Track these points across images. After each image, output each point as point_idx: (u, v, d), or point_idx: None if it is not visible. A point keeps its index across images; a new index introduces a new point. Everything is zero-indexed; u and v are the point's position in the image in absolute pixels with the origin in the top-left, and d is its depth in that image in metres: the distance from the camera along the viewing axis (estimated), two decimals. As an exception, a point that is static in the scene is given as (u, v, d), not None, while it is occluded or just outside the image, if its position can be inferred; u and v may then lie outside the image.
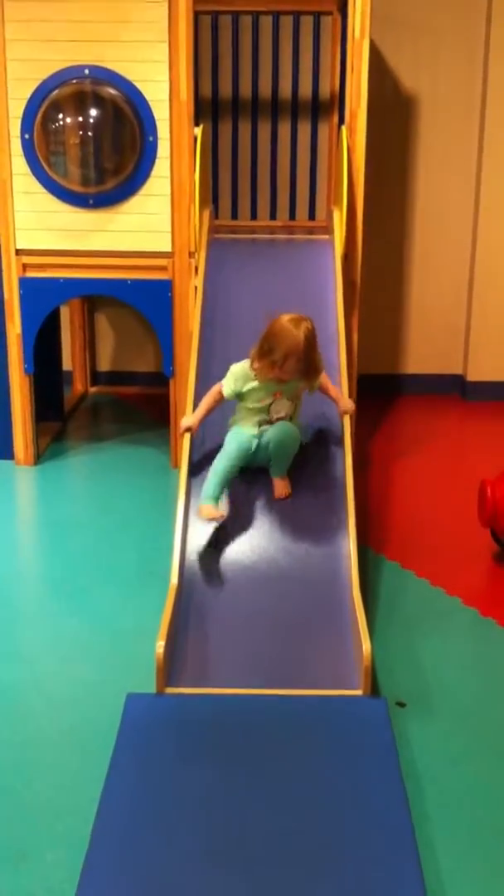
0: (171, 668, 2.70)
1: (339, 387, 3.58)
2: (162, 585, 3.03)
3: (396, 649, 2.96)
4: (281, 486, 3.30)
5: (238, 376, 3.28)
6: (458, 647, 3.03)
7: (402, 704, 2.67)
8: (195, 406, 3.53)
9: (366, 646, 2.64)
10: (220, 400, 3.34)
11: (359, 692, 2.64)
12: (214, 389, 3.35)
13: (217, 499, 3.15)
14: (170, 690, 2.65)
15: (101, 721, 2.57)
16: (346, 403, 3.50)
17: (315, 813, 2.21)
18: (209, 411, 3.37)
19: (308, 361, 3.19)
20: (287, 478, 3.31)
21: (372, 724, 2.51)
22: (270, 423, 3.28)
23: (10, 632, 3.11)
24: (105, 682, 2.78)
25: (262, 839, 2.12)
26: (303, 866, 2.05)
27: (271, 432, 3.25)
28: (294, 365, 3.16)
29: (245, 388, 3.27)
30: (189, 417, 3.42)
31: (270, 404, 3.27)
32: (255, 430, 3.26)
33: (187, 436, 3.43)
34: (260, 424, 3.27)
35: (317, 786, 2.30)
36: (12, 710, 2.68)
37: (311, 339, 3.17)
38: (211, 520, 3.16)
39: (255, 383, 3.25)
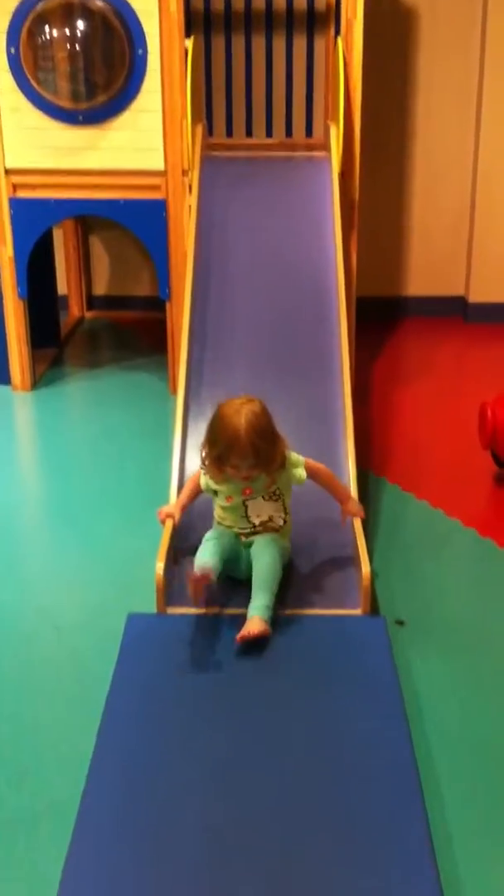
0: (170, 590, 2.70)
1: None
2: (160, 509, 3.02)
3: (396, 570, 2.96)
4: (253, 625, 2.49)
5: (200, 473, 2.80)
6: (457, 568, 3.03)
7: (401, 623, 2.68)
8: (191, 329, 3.49)
9: (365, 567, 2.63)
10: (199, 490, 2.84)
11: (358, 611, 2.64)
12: (194, 476, 2.86)
13: (207, 563, 2.59)
14: (170, 610, 2.66)
15: (103, 643, 2.58)
16: (353, 507, 2.90)
17: (314, 729, 2.22)
18: (191, 500, 2.88)
19: (257, 453, 2.59)
20: (265, 621, 2.51)
21: (371, 643, 2.52)
22: (254, 529, 2.75)
23: (10, 557, 3.11)
24: (106, 606, 2.79)
25: (262, 755, 2.14)
26: (300, 781, 2.07)
27: (253, 548, 2.71)
28: (239, 460, 2.60)
29: (215, 484, 2.74)
30: (169, 506, 2.91)
31: (245, 503, 2.74)
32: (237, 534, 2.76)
33: (184, 362, 3.38)
34: (242, 532, 2.75)
35: (316, 702, 2.31)
36: (15, 633, 2.69)
37: (255, 426, 2.57)
38: (198, 582, 2.54)
39: (220, 483, 2.72)
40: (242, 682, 2.38)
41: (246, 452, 2.58)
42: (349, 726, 2.23)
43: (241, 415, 2.59)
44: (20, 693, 2.44)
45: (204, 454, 2.69)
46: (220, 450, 2.61)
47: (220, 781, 2.07)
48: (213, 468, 2.68)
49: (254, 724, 2.24)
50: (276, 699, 2.32)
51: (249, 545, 2.73)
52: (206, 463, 2.69)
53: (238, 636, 2.46)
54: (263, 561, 2.65)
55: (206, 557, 2.61)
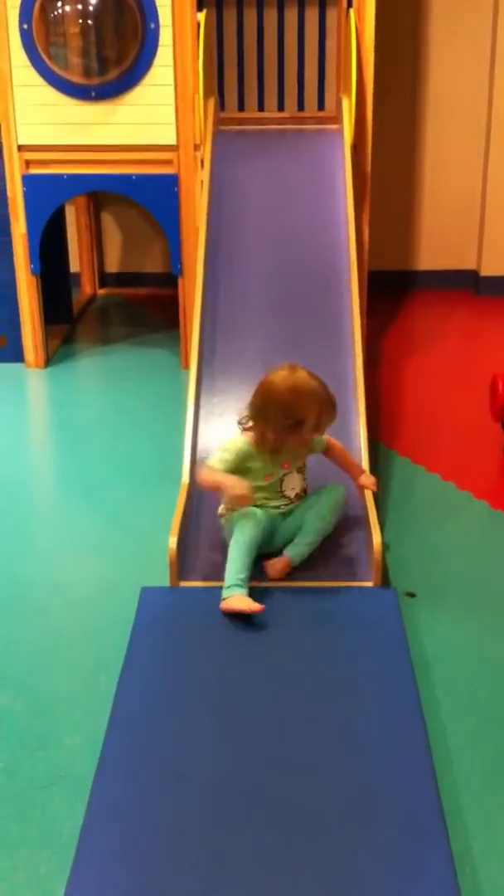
0: (184, 564, 2.73)
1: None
2: (174, 484, 3.05)
3: (407, 542, 2.98)
4: (283, 565, 2.70)
5: (235, 453, 2.73)
6: (468, 540, 3.04)
7: (411, 595, 2.70)
8: (203, 303, 3.50)
9: (376, 538, 2.65)
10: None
11: (370, 583, 2.67)
12: (214, 465, 2.74)
13: (244, 584, 2.58)
14: (183, 584, 2.69)
15: (117, 616, 2.61)
16: (367, 480, 2.92)
17: (326, 699, 2.25)
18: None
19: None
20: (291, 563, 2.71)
21: (382, 614, 2.55)
22: (290, 503, 2.82)
23: (25, 530, 3.15)
24: (120, 579, 2.82)
25: (274, 726, 2.17)
26: (313, 751, 2.10)
27: (304, 508, 2.79)
28: (330, 418, 2.72)
29: (245, 466, 2.75)
30: (241, 485, 2.68)
31: (282, 478, 2.80)
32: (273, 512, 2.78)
33: (196, 336, 3.39)
34: (277, 508, 2.80)
35: (328, 673, 2.34)
36: (30, 606, 2.73)
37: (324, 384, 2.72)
38: (249, 612, 2.51)
39: (257, 461, 2.75)
40: (255, 653, 2.42)
41: (335, 407, 2.71)
42: (360, 696, 2.26)
43: (310, 377, 2.69)
44: (35, 665, 2.48)
45: (261, 431, 2.68)
46: (303, 415, 2.63)
47: (232, 750, 2.10)
48: (280, 440, 2.68)
49: (266, 695, 2.27)
50: (287, 670, 2.35)
51: (289, 514, 2.80)
52: (271, 437, 2.67)
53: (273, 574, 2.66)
54: (317, 510, 2.77)
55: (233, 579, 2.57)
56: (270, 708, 2.23)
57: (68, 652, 2.53)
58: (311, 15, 4.91)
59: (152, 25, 3.97)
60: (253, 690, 2.29)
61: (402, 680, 2.30)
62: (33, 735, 2.22)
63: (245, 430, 2.76)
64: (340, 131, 4.13)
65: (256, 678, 2.33)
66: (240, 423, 2.78)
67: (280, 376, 2.69)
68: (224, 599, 2.54)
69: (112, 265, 5.72)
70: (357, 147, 4.11)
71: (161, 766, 2.06)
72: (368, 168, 4.20)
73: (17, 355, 4.49)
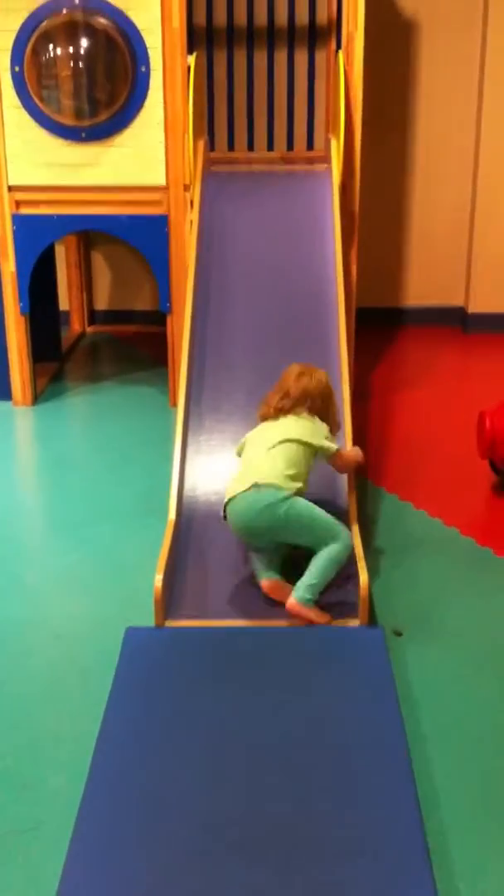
0: (169, 602, 2.72)
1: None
2: (161, 521, 3.05)
3: (394, 579, 2.98)
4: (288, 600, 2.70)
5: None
6: (456, 577, 3.04)
7: (398, 634, 2.69)
8: (192, 341, 3.52)
9: (363, 577, 2.65)
10: None
11: (356, 622, 2.66)
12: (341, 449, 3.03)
13: None
14: (169, 623, 2.68)
15: (102, 654, 2.60)
16: (352, 453, 3.09)
17: (313, 740, 2.24)
18: None
19: None
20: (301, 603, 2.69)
21: (369, 654, 2.53)
22: None
23: (11, 568, 3.13)
24: (106, 617, 2.80)
25: (260, 766, 2.15)
26: (300, 791, 2.08)
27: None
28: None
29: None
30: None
31: None
32: None
33: (184, 374, 3.41)
34: None
35: (314, 714, 2.32)
36: (14, 643, 2.71)
37: None
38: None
39: None
40: (240, 693, 2.40)
41: None
42: (346, 735, 2.24)
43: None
44: (19, 704, 2.45)
45: (329, 426, 2.99)
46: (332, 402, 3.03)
47: (218, 790, 2.08)
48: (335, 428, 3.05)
49: (252, 735, 2.25)
50: (274, 710, 2.34)
51: None
52: (334, 431, 3.02)
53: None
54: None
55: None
56: (256, 747, 2.21)
57: (53, 691, 2.51)
58: (301, 56, 4.99)
59: (143, 68, 4.03)
60: (239, 730, 2.27)
61: (389, 719, 2.28)
62: (17, 775, 2.20)
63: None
64: (329, 171, 4.18)
65: (242, 718, 2.31)
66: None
67: (324, 375, 3.02)
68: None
69: (101, 302, 5.76)
70: (345, 186, 4.16)
71: (145, 807, 2.04)
72: (357, 207, 4.25)
73: (4, 393, 4.50)
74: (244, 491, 2.74)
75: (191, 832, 1.96)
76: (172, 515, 3.01)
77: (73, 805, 2.05)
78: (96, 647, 2.66)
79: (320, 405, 2.97)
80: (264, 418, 2.98)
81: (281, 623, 2.66)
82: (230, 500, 2.78)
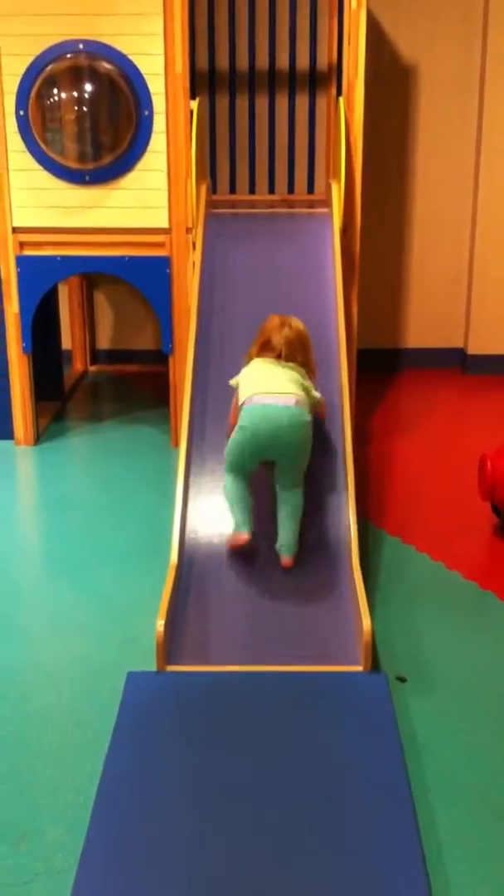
0: (171, 646, 2.70)
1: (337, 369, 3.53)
2: (162, 563, 3.03)
3: (397, 624, 2.96)
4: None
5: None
6: (459, 622, 3.02)
7: (402, 679, 2.67)
8: (194, 382, 3.53)
9: (366, 622, 2.63)
10: None
11: (359, 668, 2.64)
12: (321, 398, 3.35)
13: None
14: (170, 668, 2.65)
15: (102, 699, 2.58)
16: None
17: (315, 788, 2.21)
18: None
19: None
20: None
21: (372, 700, 2.51)
22: None
23: (11, 610, 3.12)
24: (106, 661, 2.78)
25: (263, 815, 2.13)
26: (303, 841, 2.05)
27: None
28: None
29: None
30: None
31: None
32: None
33: (186, 415, 3.41)
34: None
35: (317, 761, 2.30)
36: (13, 688, 2.68)
37: None
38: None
39: None
40: (243, 741, 2.37)
41: None
42: (349, 787, 2.22)
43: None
44: (18, 751, 2.43)
45: (309, 370, 3.26)
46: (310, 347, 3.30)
47: (220, 841, 2.05)
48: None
49: (254, 784, 2.23)
50: (276, 758, 2.31)
51: None
52: (313, 375, 3.28)
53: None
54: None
55: None
56: (259, 797, 2.18)
57: (52, 737, 2.48)
58: (302, 101, 5.04)
59: (146, 112, 4.07)
60: (241, 779, 2.24)
61: (393, 770, 2.25)
62: (14, 826, 2.17)
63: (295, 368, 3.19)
64: (330, 214, 4.21)
65: (245, 767, 2.28)
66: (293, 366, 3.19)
67: (301, 322, 3.27)
68: None
69: (104, 342, 5.78)
70: (346, 230, 4.19)
71: (146, 859, 2.01)
72: (357, 249, 4.28)
73: (6, 432, 4.50)
74: (286, 405, 3.00)
75: (191, 886, 1.92)
76: (174, 558, 3.00)
77: (72, 857, 2.02)
78: (95, 692, 2.64)
79: (302, 353, 3.25)
80: (251, 358, 3.26)
81: (283, 668, 2.64)
82: (263, 406, 3.02)
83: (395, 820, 2.10)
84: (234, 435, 3.07)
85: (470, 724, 2.50)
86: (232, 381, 3.30)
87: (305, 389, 3.15)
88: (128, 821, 2.11)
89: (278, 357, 3.19)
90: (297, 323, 3.28)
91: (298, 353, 3.23)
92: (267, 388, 3.07)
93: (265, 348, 3.24)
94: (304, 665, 2.66)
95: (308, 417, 3.05)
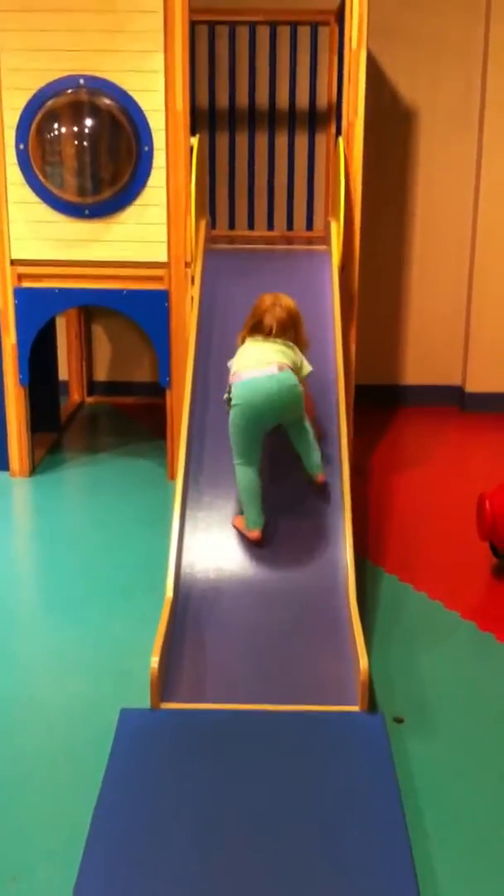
0: (165, 683, 2.67)
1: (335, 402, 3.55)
2: (157, 598, 3.00)
3: (395, 664, 2.93)
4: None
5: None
6: (457, 663, 2.99)
7: (399, 720, 2.63)
8: (191, 417, 3.52)
9: (363, 661, 2.60)
10: None
11: (356, 708, 2.60)
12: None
13: None
14: (164, 705, 2.62)
15: (95, 736, 2.54)
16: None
17: (311, 831, 2.17)
18: None
19: None
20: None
21: (369, 741, 2.48)
22: None
23: (4, 643, 3.08)
24: (100, 697, 2.75)
25: (258, 857, 2.09)
26: (299, 884, 2.01)
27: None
28: None
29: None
30: None
31: None
32: None
33: (183, 450, 3.40)
34: None
35: (313, 804, 2.26)
36: (5, 725, 2.64)
37: None
38: None
39: None
40: (238, 781, 2.33)
41: None
42: (346, 829, 2.18)
43: None
44: (10, 788, 2.38)
45: (302, 339, 3.42)
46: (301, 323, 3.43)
47: (214, 883, 2.01)
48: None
49: (249, 826, 2.19)
50: (272, 799, 2.27)
51: None
52: (304, 348, 3.42)
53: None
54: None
55: None
56: (253, 839, 2.14)
57: (46, 774, 2.44)
58: (301, 139, 5.08)
59: (146, 148, 4.10)
60: (236, 820, 2.20)
61: (390, 815, 2.22)
62: (5, 865, 2.12)
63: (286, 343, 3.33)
64: (329, 252, 4.23)
65: (239, 807, 2.24)
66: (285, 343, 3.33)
67: (292, 300, 3.38)
68: None
69: (101, 373, 5.78)
70: (345, 267, 4.20)
71: (138, 904, 1.97)
72: (356, 287, 4.29)
73: (2, 464, 4.48)
74: (270, 374, 3.16)
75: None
76: (170, 594, 2.97)
77: (64, 898, 1.98)
78: (89, 728, 2.60)
79: (293, 330, 3.37)
80: (244, 339, 3.37)
81: (279, 707, 2.60)
82: (250, 380, 3.16)
83: (392, 868, 2.06)
84: (230, 416, 3.21)
85: (469, 768, 2.47)
86: (229, 363, 3.40)
87: (293, 362, 3.29)
88: (120, 861, 2.07)
89: (267, 335, 3.32)
90: (288, 301, 3.39)
91: (290, 332, 3.36)
92: (251, 364, 3.22)
93: (257, 329, 3.35)
94: (300, 704, 2.62)
95: (295, 379, 3.20)
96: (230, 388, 3.23)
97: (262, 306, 3.37)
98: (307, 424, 3.29)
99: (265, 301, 3.38)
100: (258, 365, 3.20)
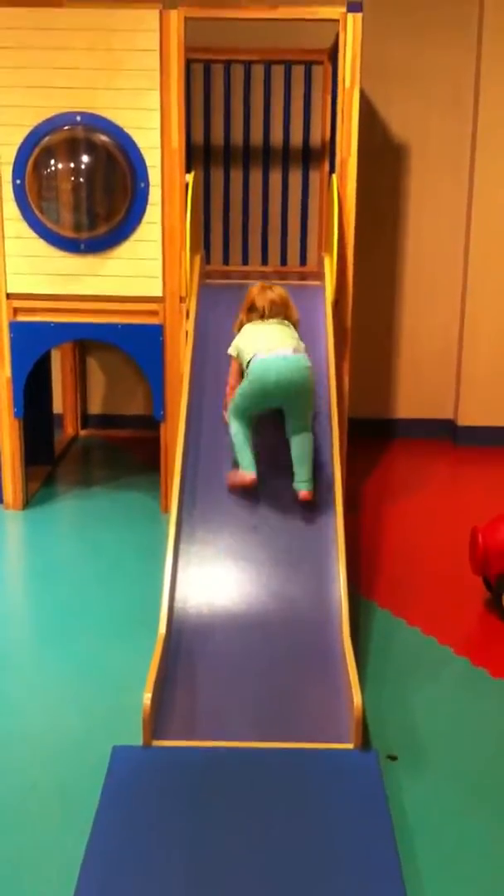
0: (158, 720, 2.65)
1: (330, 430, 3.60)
2: (150, 634, 2.99)
3: (388, 700, 2.92)
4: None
5: None
6: (451, 699, 2.98)
7: (393, 758, 2.62)
8: (185, 451, 3.53)
9: (356, 698, 2.59)
10: None
11: (350, 745, 2.59)
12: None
13: None
14: (157, 743, 2.60)
15: (86, 773, 2.52)
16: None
17: (305, 870, 2.15)
18: None
19: None
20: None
21: (363, 779, 2.46)
22: None
23: (-5, 681, 3.06)
24: (91, 733, 2.73)
25: (251, 893, 2.07)
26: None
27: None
28: None
29: None
30: None
31: None
32: None
33: (177, 485, 3.41)
34: None
35: (306, 842, 2.24)
36: (-4, 762, 2.63)
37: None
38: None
39: None
40: (230, 820, 2.32)
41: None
42: (339, 869, 2.16)
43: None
44: (2, 825, 2.36)
45: (294, 319, 3.67)
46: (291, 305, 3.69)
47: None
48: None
49: (242, 865, 2.17)
50: (264, 837, 2.26)
51: None
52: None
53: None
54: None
55: None
56: (246, 879, 2.12)
57: (37, 810, 2.42)
58: (295, 175, 5.14)
59: (142, 184, 4.14)
60: (228, 860, 2.18)
61: (384, 854, 2.20)
62: (-5, 907, 2.11)
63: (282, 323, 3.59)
64: (322, 287, 4.26)
65: (232, 847, 2.23)
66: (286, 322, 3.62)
67: (283, 288, 3.70)
68: None
69: (95, 406, 5.79)
70: (338, 302, 4.23)
71: None
72: (349, 322, 4.32)
73: (-5, 497, 4.48)
74: (285, 355, 3.38)
75: None
76: (163, 629, 2.96)
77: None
78: (80, 765, 2.58)
79: (284, 311, 3.62)
80: (243, 324, 3.61)
81: (272, 744, 2.59)
82: (266, 358, 3.37)
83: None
84: (242, 386, 3.43)
85: (464, 806, 2.45)
86: (231, 350, 3.60)
87: (299, 342, 3.54)
88: (111, 904, 2.05)
89: (262, 317, 3.58)
90: (279, 287, 3.69)
91: (282, 312, 3.61)
92: (267, 346, 3.43)
93: (251, 310, 3.62)
94: (293, 742, 2.61)
95: (308, 362, 3.42)
96: (245, 367, 3.45)
97: (252, 292, 3.67)
98: (309, 434, 3.42)
99: (254, 288, 3.69)
100: (274, 346, 3.42)
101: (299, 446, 3.40)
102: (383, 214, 5.47)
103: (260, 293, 3.64)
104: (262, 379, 3.36)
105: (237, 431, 3.43)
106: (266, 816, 2.33)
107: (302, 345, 3.54)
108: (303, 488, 3.36)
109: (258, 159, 5.15)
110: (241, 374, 3.53)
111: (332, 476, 3.47)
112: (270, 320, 3.58)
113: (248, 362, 3.44)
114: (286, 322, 3.61)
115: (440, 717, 2.85)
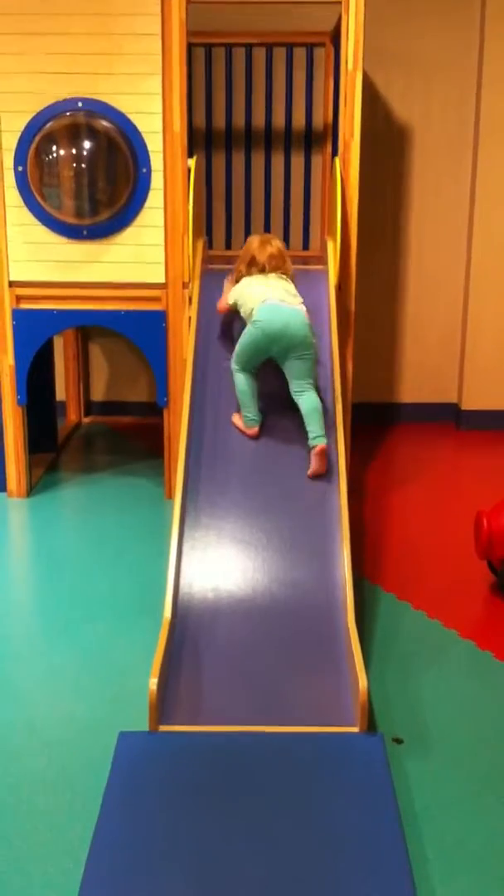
0: (164, 705, 2.66)
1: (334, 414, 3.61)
2: (155, 619, 3.00)
3: (393, 684, 2.92)
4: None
5: None
6: (456, 682, 2.98)
7: (398, 741, 2.63)
8: (189, 436, 3.53)
9: (362, 682, 2.60)
10: None
11: (355, 729, 2.60)
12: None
13: None
14: (163, 728, 2.61)
15: (93, 760, 2.53)
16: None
17: (310, 854, 2.16)
18: None
19: None
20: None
21: (368, 762, 2.47)
22: None
23: (1, 667, 3.07)
24: (98, 720, 2.74)
25: (256, 881, 2.08)
26: (299, 910, 2.00)
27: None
28: None
29: None
30: None
31: None
32: None
33: (181, 471, 3.41)
34: None
35: (312, 826, 2.25)
36: (3, 748, 2.63)
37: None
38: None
39: None
40: (237, 804, 2.33)
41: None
42: (345, 853, 2.17)
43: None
44: (7, 814, 2.37)
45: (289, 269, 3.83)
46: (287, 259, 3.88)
47: (213, 910, 2.01)
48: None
49: (248, 849, 2.18)
50: (271, 822, 2.27)
51: None
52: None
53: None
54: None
55: None
56: (253, 862, 2.13)
57: (43, 799, 2.43)
58: (297, 159, 5.12)
59: (144, 170, 4.12)
60: (235, 844, 2.19)
61: (390, 837, 2.21)
62: (5, 893, 2.11)
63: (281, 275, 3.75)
64: (325, 271, 4.25)
65: (238, 831, 2.23)
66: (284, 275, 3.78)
67: (279, 240, 3.89)
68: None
69: (98, 394, 5.79)
70: (341, 286, 4.22)
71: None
72: (352, 306, 4.31)
73: (-1, 484, 4.49)
74: (291, 306, 3.55)
75: None
76: (168, 614, 2.97)
77: (62, 925, 1.97)
78: (86, 752, 2.59)
79: (282, 265, 3.77)
80: (241, 276, 3.76)
81: (278, 728, 2.60)
82: (274, 305, 3.52)
83: (392, 890, 2.05)
84: (247, 332, 3.56)
85: (470, 789, 2.46)
86: (229, 298, 3.76)
87: (299, 297, 3.68)
88: (120, 887, 2.06)
89: (262, 271, 3.73)
90: (277, 240, 3.84)
91: (280, 266, 3.76)
92: (275, 296, 3.57)
93: (252, 264, 3.76)
94: (299, 725, 2.62)
95: (307, 319, 3.56)
96: (252, 313, 3.56)
97: (252, 246, 3.80)
98: (314, 392, 3.52)
99: (254, 241, 3.82)
100: (282, 298, 3.57)
101: (307, 403, 3.50)
102: (386, 198, 5.45)
103: (260, 248, 3.77)
104: (270, 321, 3.49)
105: (242, 383, 3.57)
106: (272, 800, 2.34)
107: (303, 305, 3.64)
108: (318, 443, 3.43)
109: (260, 143, 5.13)
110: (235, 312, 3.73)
111: (335, 460, 3.47)
112: (271, 274, 3.72)
113: (253, 310, 3.55)
114: (285, 276, 3.75)
115: (445, 700, 2.86)
